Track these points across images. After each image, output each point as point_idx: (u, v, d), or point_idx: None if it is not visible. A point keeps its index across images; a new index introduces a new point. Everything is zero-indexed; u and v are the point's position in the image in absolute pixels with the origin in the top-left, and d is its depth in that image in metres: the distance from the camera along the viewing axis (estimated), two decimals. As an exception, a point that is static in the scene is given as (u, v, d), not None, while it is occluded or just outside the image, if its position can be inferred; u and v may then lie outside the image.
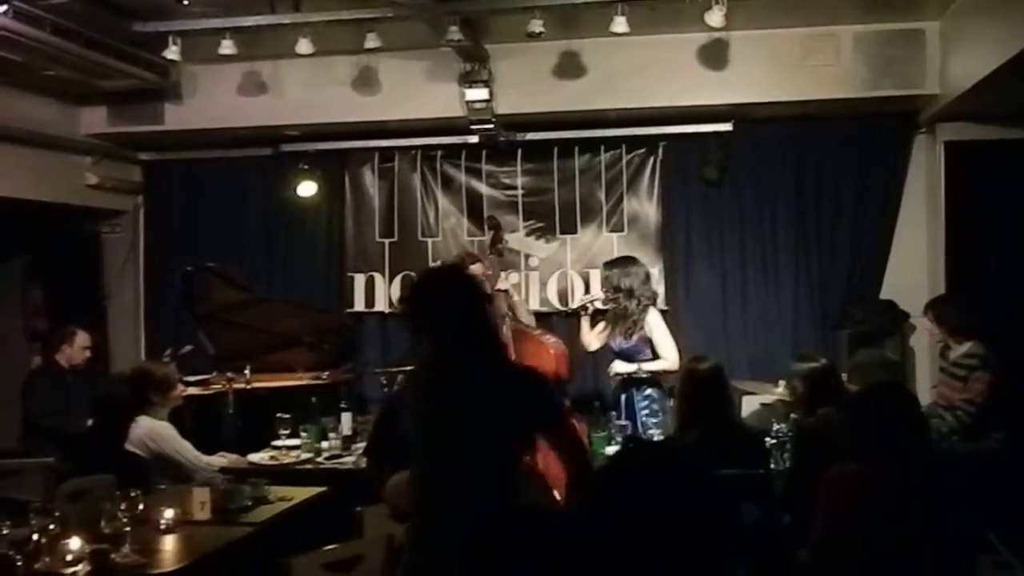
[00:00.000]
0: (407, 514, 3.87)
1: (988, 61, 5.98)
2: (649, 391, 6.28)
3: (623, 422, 6.07)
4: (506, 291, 6.93)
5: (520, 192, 8.50)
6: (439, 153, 8.60)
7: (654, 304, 6.51)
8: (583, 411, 6.34)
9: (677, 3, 6.51)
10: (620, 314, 6.38)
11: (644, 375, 6.26)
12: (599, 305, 6.64)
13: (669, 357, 6.25)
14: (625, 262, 6.66)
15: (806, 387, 5.06)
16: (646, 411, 6.25)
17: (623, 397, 6.37)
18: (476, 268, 7.05)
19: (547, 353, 6.41)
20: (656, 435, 6.04)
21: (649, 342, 6.31)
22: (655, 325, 6.32)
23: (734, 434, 4.89)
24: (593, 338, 6.59)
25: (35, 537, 3.69)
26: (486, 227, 7.93)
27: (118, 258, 9.12)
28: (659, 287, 8.20)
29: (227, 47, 6.90)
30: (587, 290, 7.80)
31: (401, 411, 3.56)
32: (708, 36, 7.24)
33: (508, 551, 1.98)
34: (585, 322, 6.64)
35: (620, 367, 6.34)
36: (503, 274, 7.24)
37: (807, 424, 4.88)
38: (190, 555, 4.02)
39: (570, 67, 7.57)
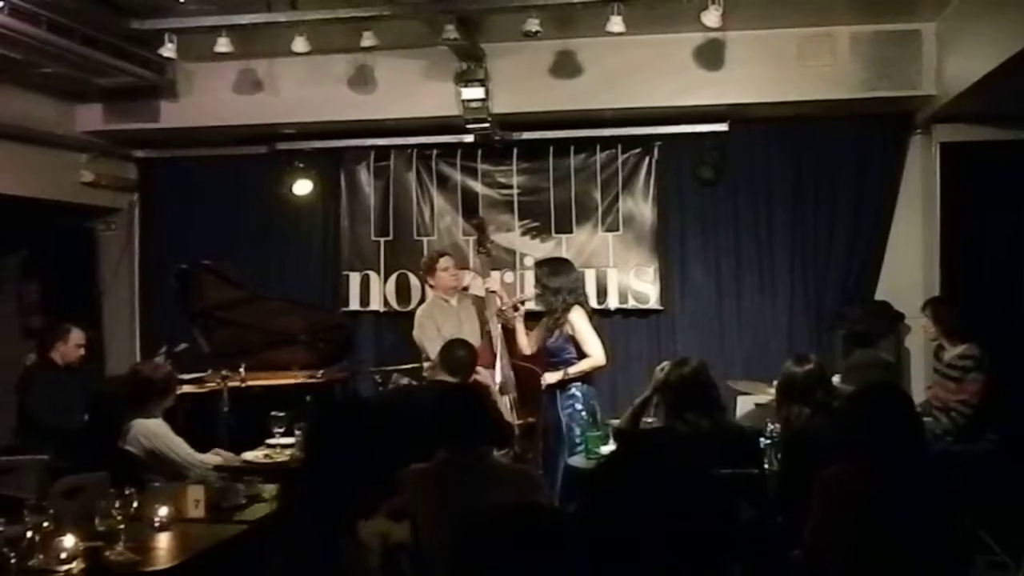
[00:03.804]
0: (401, 512, 3.89)
1: (984, 62, 5.98)
2: (573, 391, 6.41)
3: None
4: (495, 292, 6.96)
5: (516, 191, 8.50)
6: (435, 152, 8.59)
7: (581, 305, 6.57)
8: None
9: (673, 3, 6.51)
10: (548, 308, 6.52)
11: (571, 377, 6.39)
12: (531, 304, 6.81)
13: (594, 354, 6.41)
14: (556, 263, 6.85)
15: (778, 390, 5.10)
16: (568, 411, 6.37)
17: (546, 399, 6.49)
18: (445, 261, 7.15)
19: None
20: (579, 434, 6.16)
21: (572, 340, 6.42)
22: (578, 323, 6.43)
23: (724, 434, 4.88)
24: (527, 341, 6.70)
25: (29, 534, 3.68)
26: (472, 228, 7.95)
27: (113, 255, 9.12)
28: (654, 287, 8.26)
29: (223, 45, 6.89)
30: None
31: None
32: (704, 36, 7.25)
33: (504, 549, 1.98)
34: (520, 324, 6.73)
35: (549, 378, 6.45)
36: (492, 274, 7.26)
37: (799, 425, 4.88)
38: (184, 553, 4.00)
39: (566, 66, 7.57)
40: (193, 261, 7.47)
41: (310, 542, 2.88)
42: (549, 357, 6.52)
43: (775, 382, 6.08)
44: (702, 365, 4.99)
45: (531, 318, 6.94)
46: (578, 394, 6.40)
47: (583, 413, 6.28)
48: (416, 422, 4.61)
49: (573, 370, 6.39)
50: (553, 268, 6.65)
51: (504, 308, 6.78)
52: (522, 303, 6.79)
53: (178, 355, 7.06)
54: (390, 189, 8.68)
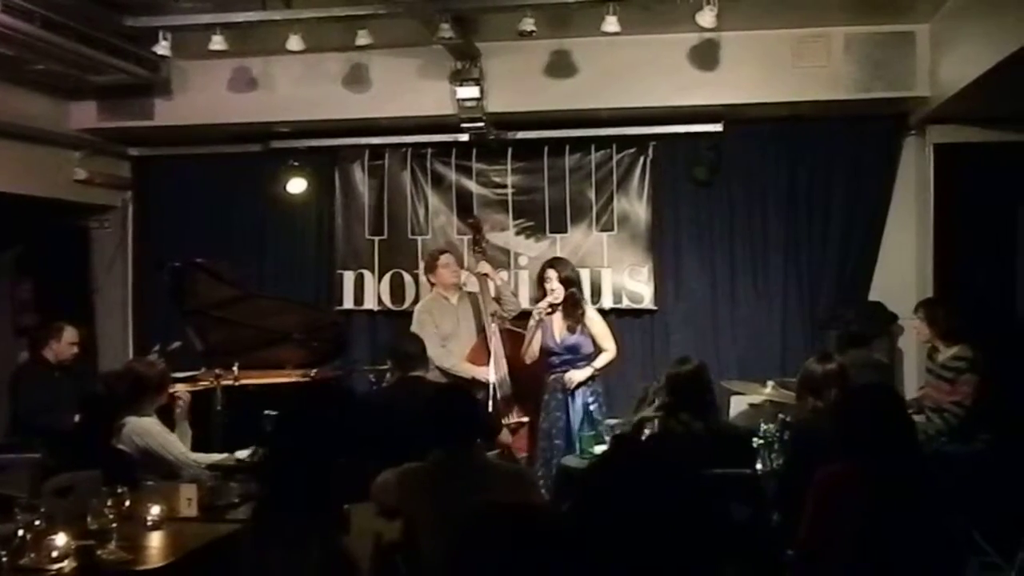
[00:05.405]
0: (395, 511, 3.88)
1: (978, 64, 5.99)
2: (596, 386, 6.59)
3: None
4: (487, 274, 6.99)
5: (510, 191, 8.49)
6: (429, 151, 8.58)
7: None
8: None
9: (668, 3, 6.50)
10: (573, 304, 6.59)
11: (596, 374, 6.58)
12: (526, 303, 7.00)
13: (610, 348, 6.65)
14: (566, 260, 7.04)
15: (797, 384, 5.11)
16: (594, 405, 6.50)
17: (565, 396, 6.53)
18: (446, 258, 7.19)
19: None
20: (604, 424, 6.22)
21: (589, 336, 6.59)
22: (595, 319, 6.68)
23: (717, 434, 4.88)
24: (535, 347, 6.69)
25: (20, 533, 3.66)
26: (468, 227, 7.95)
27: (107, 254, 9.10)
28: (648, 287, 8.28)
29: (218, 43, 6.88)
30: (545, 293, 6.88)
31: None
32: (699, 36, 7.25)
33: (499, 549, 1.98)
34: (538, 332, 6.68)
35: (579, 376, 6.53)
36: (483, 263, 7.25)
37: (804, 419, 4.89)
38: (176, 552, 3.99)
39: (561, 66, 7.57)
40: (187, 259, 7.45)
41: (293, 535, 2.86)
42: (568, 354, 6.57)
43: (769, 382, 6.11)
44: (703, 366, 5.00)
45: (522, 318, 6.95)
46: (600, 389, 6.60)
47: (603, 406, 6.53)
48: (402, 418, 4.63)
49: (598, 364, 6.57)
50: (567, 264, 6.84)
51: (540, 310, 6.69)
52: (551, 307, 6.68)
53: (171, 353, 7.04)
54: (384, 188, 8.66)
